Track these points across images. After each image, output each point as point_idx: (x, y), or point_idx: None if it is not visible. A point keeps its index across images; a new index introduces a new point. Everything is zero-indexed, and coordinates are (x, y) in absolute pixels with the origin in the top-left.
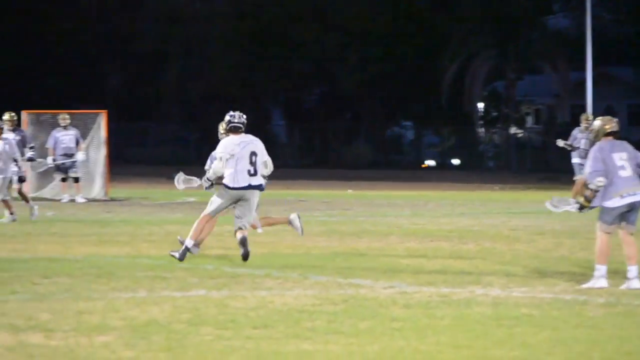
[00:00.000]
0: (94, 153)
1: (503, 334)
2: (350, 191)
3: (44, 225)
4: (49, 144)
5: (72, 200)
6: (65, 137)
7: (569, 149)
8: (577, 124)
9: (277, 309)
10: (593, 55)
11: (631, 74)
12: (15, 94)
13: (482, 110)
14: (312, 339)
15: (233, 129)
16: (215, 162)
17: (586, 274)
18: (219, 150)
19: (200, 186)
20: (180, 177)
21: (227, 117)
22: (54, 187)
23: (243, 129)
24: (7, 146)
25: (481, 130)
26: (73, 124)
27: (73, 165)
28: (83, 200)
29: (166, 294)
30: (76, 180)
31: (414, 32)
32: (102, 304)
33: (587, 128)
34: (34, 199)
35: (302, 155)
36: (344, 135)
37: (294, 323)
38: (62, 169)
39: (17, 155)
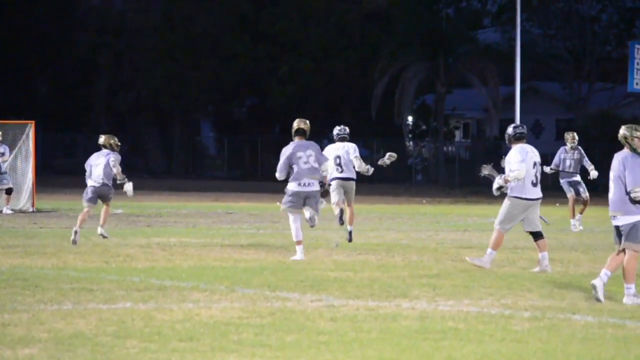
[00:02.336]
0: (21, 164)
1: (429, 348)
2: (278, 204)
3: None
4: None
5: None
6: None
7: (555, 171)
8: (503, 138)
9: (203, 322)
10: (522, 70)
11: (559, 89)
12: None
13: (412, 123)
14: (239, 351)
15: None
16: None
17: (511, 288)
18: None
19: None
20: None
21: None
22: None
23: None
24: None
25: (410, 143)
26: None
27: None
28: (10, 212)
29: (92, 306)
30: (8, 191)
31: (345, 45)
32: (27, 316)
33: (572, 148)
34: None
35: (231, 168)
36: (274, 147)
37: (221, 336)
38: None
39: None
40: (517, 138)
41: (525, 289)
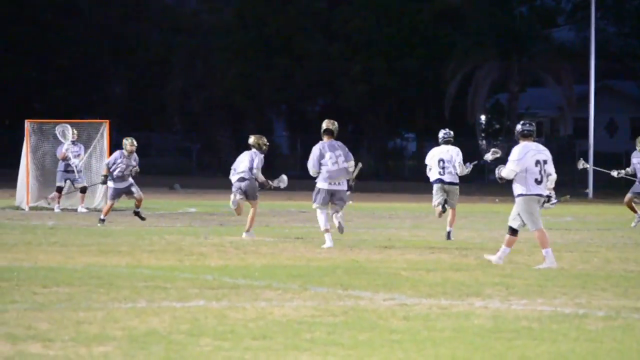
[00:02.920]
0: (96, 163)
1: (502, 347)
2: (351, 202)
3: (45, 234)
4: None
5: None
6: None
7: (629, 176)
8: (580, 136)
9: (276, 320)
10: (596, 68)
11: (634, 87)
12: (19, 104)
13: (485, 122)
14: (311, 350)
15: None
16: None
17: (585, 287)
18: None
19: None
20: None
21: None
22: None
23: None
24: None
25: (483, 142)
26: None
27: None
28: (84, 210)
29: (166, 305)
30: (82, 190)
31: (418, 44)
32: (101, 314)
33: None
34: (33, 208)
35: (304, 167)
36: (347, 146)
37: (293, 334)
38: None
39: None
40: (524, 135)
41: (600, 288)
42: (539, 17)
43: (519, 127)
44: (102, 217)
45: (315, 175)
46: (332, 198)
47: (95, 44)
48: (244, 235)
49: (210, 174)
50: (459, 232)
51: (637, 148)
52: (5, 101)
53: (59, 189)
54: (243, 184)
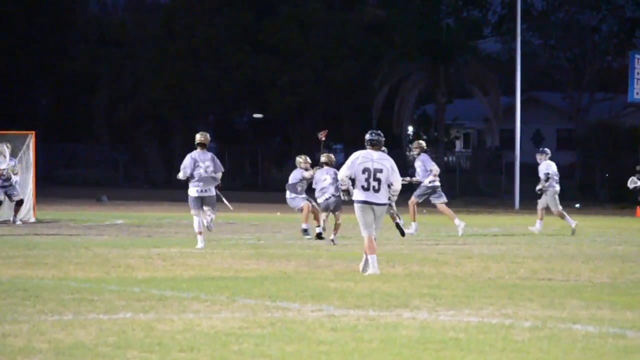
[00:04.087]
0: (22, 174)
1: (429, 358)
2: (279, 214)
3: None
4: None
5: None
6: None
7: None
8: (507, 147)
9: (204, 332)
10: (523, 80)
11: (560, 99)
12: None
13: (412, 133)
14: None
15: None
16: None
17: (512, 298)
18: None
19: None
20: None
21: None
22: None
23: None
24: None
25: (410, 153)
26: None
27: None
28: (20, 223)
29: (92, 317)
30: (19, 203)
31: (346, 55)
32: (27, 326)
33: None
34: None
35: (232, 178)
36: (275, 157)
37: (221, 346)
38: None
39: None
40: (371, 144)
41: (526, 298)
42: (466, 29)
43: (367, 136)
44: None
45: (184, 179)
46: (203, 204)
47: (21, 54)
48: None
49: (137, 185)
50: (385, 242)
51: None
52: None
53: None
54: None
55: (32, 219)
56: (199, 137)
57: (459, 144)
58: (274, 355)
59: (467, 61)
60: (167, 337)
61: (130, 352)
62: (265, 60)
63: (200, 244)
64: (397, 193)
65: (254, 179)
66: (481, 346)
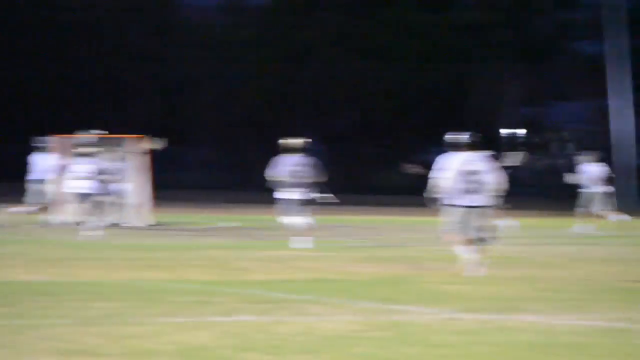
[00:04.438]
0: (136, 179)
1: None
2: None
3: (90, 249)
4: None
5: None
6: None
7: None
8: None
9: (324, 335)
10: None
11: None
12: (49, 119)
13: (508, 136)
14: None
15: None
16: None
17: (628, 301)
18: None
19: None
20: None
21: None
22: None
23: None
24: None
25: (515, 154)
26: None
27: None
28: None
29: (213, 319)
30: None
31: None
32: (150, 328)
33: None
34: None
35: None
36: (378, 160)
37: (342, 349)
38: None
39: None
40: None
41: None
42: (562, 29)
43: (463, 137)
44: None
45: None
46: None
47: (126, 58)
48: None
49: (248, 188)
50: (502, 246)
51: None
52: None
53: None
54: None
55: (151, 222)
56: (291, 142)
57: (570, 146)
58: (395, 358)
59: (566, 62)
60: (287, 340)
61: (251, 354)
62: (367, 65)
63: (307, 244)
64: (498, 192)
65: (355, 180)
66: (606, 351)
